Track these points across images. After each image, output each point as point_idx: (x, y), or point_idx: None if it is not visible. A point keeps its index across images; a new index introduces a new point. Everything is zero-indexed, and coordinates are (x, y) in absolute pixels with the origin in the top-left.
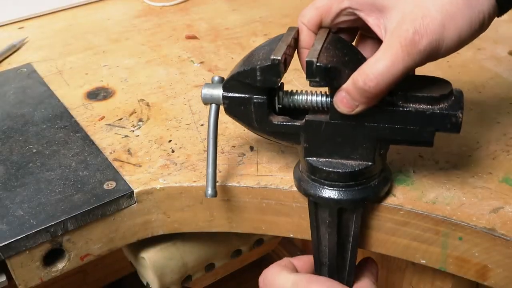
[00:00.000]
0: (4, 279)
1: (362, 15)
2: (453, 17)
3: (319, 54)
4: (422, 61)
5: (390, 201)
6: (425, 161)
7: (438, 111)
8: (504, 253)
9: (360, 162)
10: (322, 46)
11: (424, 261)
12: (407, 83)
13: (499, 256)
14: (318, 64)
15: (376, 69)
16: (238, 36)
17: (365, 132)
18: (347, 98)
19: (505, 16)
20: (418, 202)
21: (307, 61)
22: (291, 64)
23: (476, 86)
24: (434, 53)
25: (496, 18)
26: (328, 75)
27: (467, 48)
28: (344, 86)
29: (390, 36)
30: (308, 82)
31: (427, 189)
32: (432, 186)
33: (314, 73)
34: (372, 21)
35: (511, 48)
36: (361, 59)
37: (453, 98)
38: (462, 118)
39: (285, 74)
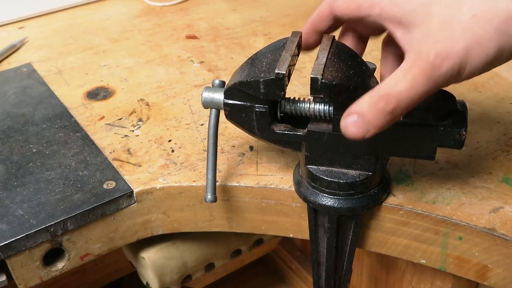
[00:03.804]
0: (4, 279)
1: (390, 26)
2: (479, 41)
3: (323, 69)
4: (443, 84)
5: (390, 201)
6: (425, 161)
7: (442, 128)
8: (504, 253)
9: (361, 172)
10: (327, 58)
11: (424, 261)
12: None
13: (499, 256)
14: (323, 81)
15: (396, 91)
16: (238, 36)
17: (367, 145)
18: (360, 122)
19: None
20: (418, 202)
21: (311, 78)
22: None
23: (476, 86)
24: (456, 76)
25: None
26: (333, 92)
27: None
28: (356, 109)
29: (412, 57)
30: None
31: (427, 189)
32: (432, 186)
33: (318, 89)
34: (399, 35)
35: None
36: (366, 71)
37: (457, 114)
38: (466, 135)
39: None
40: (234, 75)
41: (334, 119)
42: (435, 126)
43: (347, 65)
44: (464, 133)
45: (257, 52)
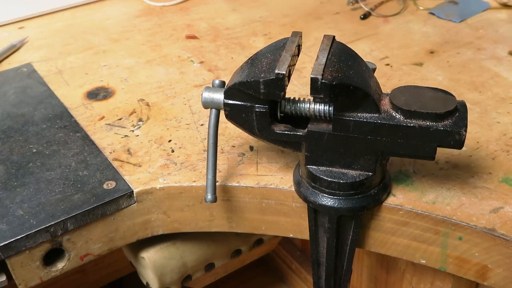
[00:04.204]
0: (4, 279)
1: None
2: None
3: (323, 70)
4: None
5: (390, 201)
6: (425, 161)
7: (441, 128)
8: (504, 253)
9: (361, 172)
10: (327, 58)
11: (424, 261)
12: (411, 97)
13: (499, 256)
14: (323, 81)
15: None
16: (238, 36)
17: (367, 145)
18: None
19: (505, 16)
20: (418, 202)
21: (311, 78)
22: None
23: (476, 86)
24: None
25: (494, 18)
26: (333, 92)
27: (467, 48)
28: None
29: None
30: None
31: (427, 189)
32: (432, 186)
33: (318, 89)
34: None
35: (511, 48)
36: (366, 71)
37: (457, 114)
38: (466, 135)
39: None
40: (234, 75)
41: (334, 119)
42: (435, 126)
43: (347, 65)
44: (464, 133)
45: (257, 52)
